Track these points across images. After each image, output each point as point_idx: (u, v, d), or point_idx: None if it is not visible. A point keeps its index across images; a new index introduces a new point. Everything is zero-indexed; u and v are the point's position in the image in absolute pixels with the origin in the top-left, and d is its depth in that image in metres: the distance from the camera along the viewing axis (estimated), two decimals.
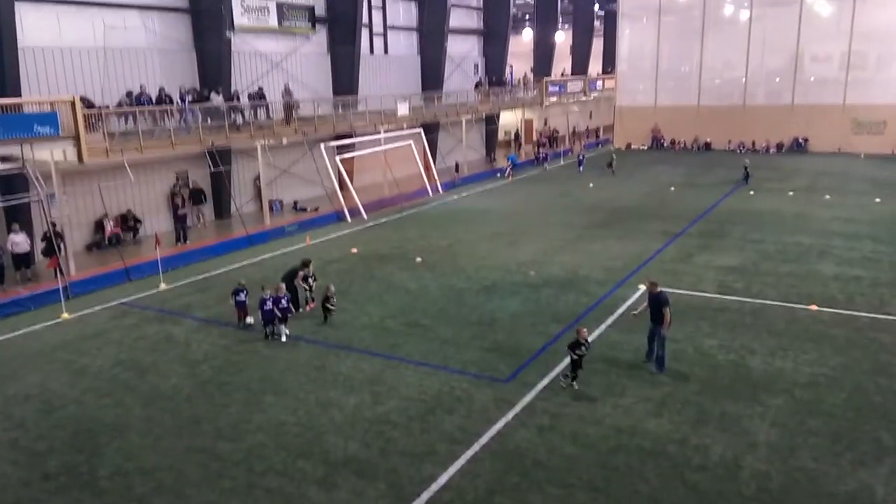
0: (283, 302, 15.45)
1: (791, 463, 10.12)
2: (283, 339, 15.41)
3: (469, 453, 10.59)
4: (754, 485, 9.62)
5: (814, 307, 16.61)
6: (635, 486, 9.67)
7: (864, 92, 45.28)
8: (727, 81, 50.01)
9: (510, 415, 11.76)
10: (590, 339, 14.74)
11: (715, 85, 50.45)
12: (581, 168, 41.77)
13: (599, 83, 58.24)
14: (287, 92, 30.57)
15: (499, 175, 40.78)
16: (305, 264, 17.54)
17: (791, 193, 31.99)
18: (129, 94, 24.61)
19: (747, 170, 35.29)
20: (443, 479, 9.92)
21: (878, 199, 29.74)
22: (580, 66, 61.37)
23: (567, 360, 12.93)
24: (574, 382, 12.58)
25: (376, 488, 9.74)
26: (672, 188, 34.70)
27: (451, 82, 44.25)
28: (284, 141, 28.60)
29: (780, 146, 48.44)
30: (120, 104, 24.13)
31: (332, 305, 16.41)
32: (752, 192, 32.64)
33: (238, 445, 11.04)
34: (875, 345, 14.28)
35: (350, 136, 31.87)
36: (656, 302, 13.35)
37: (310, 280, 17.40)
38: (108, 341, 15.81)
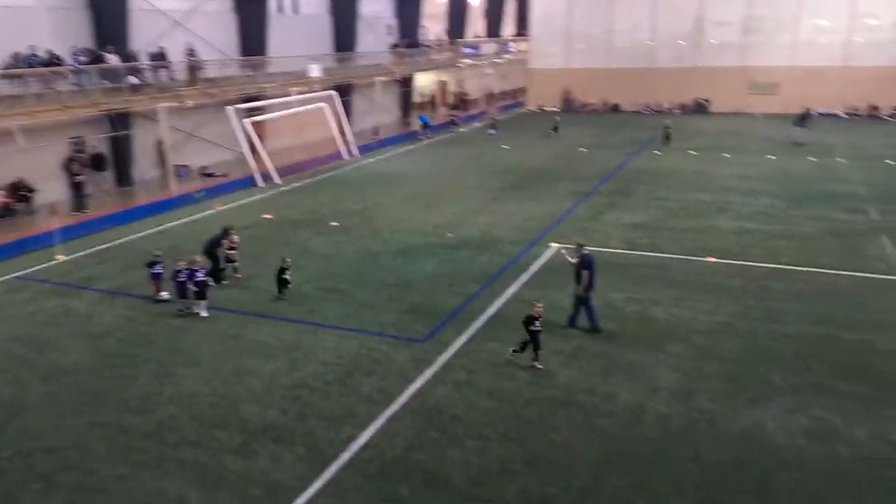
0: (200, 275, 14.65)
1: (690, 405, 10.78)
2: (204, 314, 14.63)
3: (388, 413, 10.70)
4: (657, 427, 10.20)
5: (712, 259, 17.56)
6: (548, 435, 10.07)
7: (760, 55, 47.55)
8: (635, 44, 51.30)
9: (428, 373, 11.94)
10: (507, 296, 15.11)
11: (624, 48, 51.66)
12: (495, 131, 42.07)
13: (513, 46, 58.50)
14: (191, 52, 29.11)
15: (420, 137, 40.55)
16: (227, 232, 16.89)
17: (693, 153, 33.40)
18: (15, 55, 22.80)
19: (668, 130, 36.37)
20: (362, 439, 10.01)
21: (772, 157, 31.51)
22: (494, 29, 61.38)
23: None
24: (536, 362, 12.00)
25: (295, 453, 9.73)
26: (582, 149, 35.54)
27: (364, 44, 43.33)
28: (190, 103, 27.33)
29: (683, 107, 50.33)
30: (6, 67, 22.33)
31: (287, 277, 15.63)
32: (656, 152, 33.86)
33: (147, 418, 10.73)
34: (767, 293, 15.27)
35: (260, 99, 30.80)
36: (583, 264, 13.43)
37: (233, 251, 16.78)
38: (2, 317, 14.90)
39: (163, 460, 9.66)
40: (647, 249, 18.60)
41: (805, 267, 16.86)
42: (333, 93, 35.27)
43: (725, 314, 14.19)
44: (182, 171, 28.61)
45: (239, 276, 16.78)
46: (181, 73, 28.02)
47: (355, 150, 35.37)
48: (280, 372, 12.13)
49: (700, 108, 49.84)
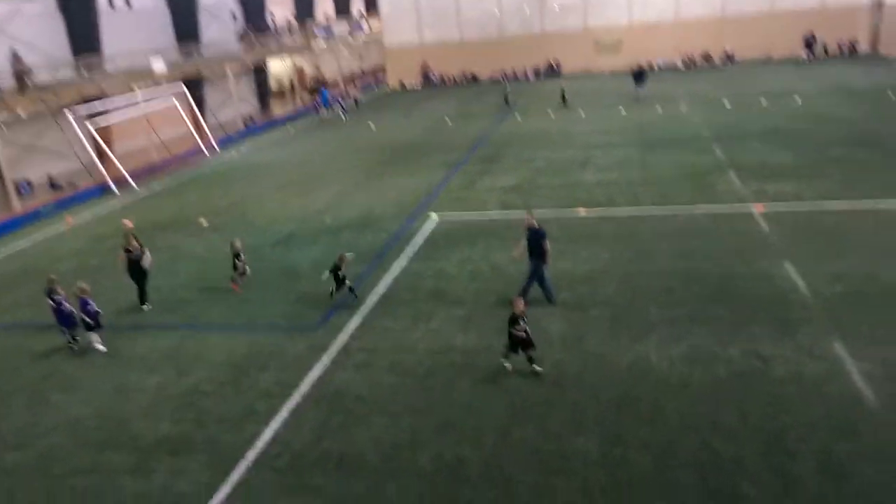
0: (92, 305, 12.62)
1: (581, 348, 11.32)
2: (102, 348, 12.74)
3: (290, 405, 10.46)
4: (554, 374, 10.63)
5: (583, 211, 18.41)
6: (454, 400, 10.24)
7: (601, 16, 49.91)
8: (483, 14, 52.20)
9: (326, 359, 11.75)
10: (395, 272, 15.09)
11: (473, 18, 52.45)
12: (345, 113, 41.43)
13: (365, 24, 57.82)
14: (15, 58, 26.50)
15: (320, 114, 39.90)
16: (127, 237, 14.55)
17: (552, 114, 34.68)
18: None
19: (507, 97, 37.81)
20: (266, 435, 9.73)
21: (623, 110, 33.30)
22: (343, 8, 60.35)
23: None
24: (534, 365, 10.71)
25: (196, 461, 9.30)
26: (448, 121, 35.94)
27: (209, 33, 41.28)
28: (22, 114, 24.94)
29: (537, 72, 52.01)
30: None
31: (239, 261, 15.02)
32: (518, 117, 34.87)
33: (27, 453, 9.85)
34: (636, 236, 16.23)
35: (101, 100, 28.61)
36: (536, 235, 12.90)
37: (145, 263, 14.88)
38: None
39: (52, 494, 8.92)
40: (523, 209, 19.15)
41: (664, 206, 18.05)
42: (182, 87, 33.44)
43: (601, 261, 14.95)
44: (23, 187, 26.19)
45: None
46: (7, 82, 25.49)
47: (216, 145, 33.81)
48: (167, 382, 11.50)
49: (553, 71, 51.69)
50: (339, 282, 13.65)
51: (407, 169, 25.65)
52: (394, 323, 12.89)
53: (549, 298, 13.11)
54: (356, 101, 42.88)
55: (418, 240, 17.41)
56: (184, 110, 32.78)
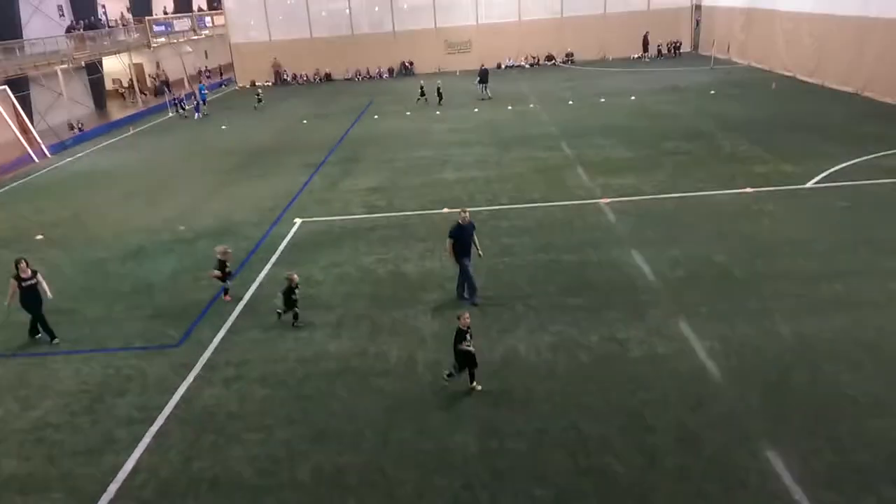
0: None
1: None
2: None
3: (154, 429, 9.84)
4: (430, 373, 10.79)
5: (446, 210, 18.78)
6: (330, 406, 10.12)
7: (450, 16, 51.00)
8: (334, 13, 51.56)
9: (191, 377, 11.17)
10: (259, 280, 14.62)
11: (323, 17, 51.70)
12: (200, 113, 39.59)
13: (209, 20, 55.22)
14: None
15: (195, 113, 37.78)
16: (17, 263, 12.70)
17: (408, 113, 35.01)
18: None
19: (440, 91, 37.04)
20: (129, 464, 9.09)
21: (476, 109, 34.29)
22: (183, 3, 57.25)
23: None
24: (475, 383, 10.25)
25: (52, 500, 8.51)
26: (304, 121, 35.23)
27: (32, 29, 37.58)
28: None
29: (391, 70, 52.25)
30: None
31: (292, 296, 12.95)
32: (376, 116, 34.87)
33: None
34: (497, 232, 16.80)
35: None
36: (469, 232, 12.87)
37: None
38: None
39: None
40: (387, 210, 19.25)
41: (522, 204, 18.85)
42: (4, 87, 30.26)
43: None
44: None
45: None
46: None
47: (47, 151, 30.92)
48: (9, 416, 10.43)
49: (406, 71, 52.16)
50: (292, 304, 12.66)
51: (265, 172, 24.86)
52: (262, 333, 12.49)
53: (472, 292, 13.09)
54: (201, 101, 40.70)
55: (282, 246, 16.95)
56: (7, 113, 29.67)
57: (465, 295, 13.24)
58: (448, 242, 12.88)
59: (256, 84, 51.69)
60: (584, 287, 13.43)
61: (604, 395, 9.91)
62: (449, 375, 10.25)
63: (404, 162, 24.76)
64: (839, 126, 25.03)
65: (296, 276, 12.84)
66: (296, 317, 12.68)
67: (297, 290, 12.69)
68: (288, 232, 17.90)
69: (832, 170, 19.63)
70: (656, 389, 9.87)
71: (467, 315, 10.20)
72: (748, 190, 18.47)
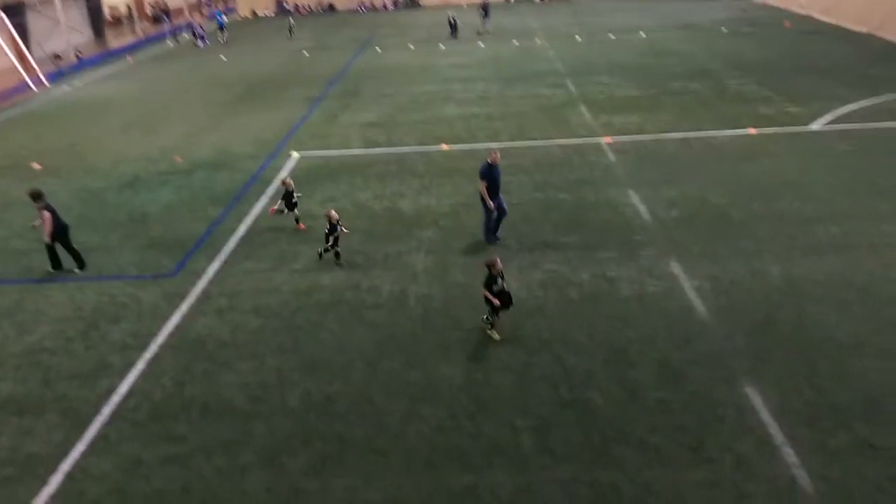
0: None
1: (446, 281, 11.64)
2: None
3: (147, 356, 10.01)
4: (421, 307, 10.90)
5: (445, 147, 18.59)
6: (321, 337, 10.25)
7: None
8: None
9: (184, 307, 11.29)
10: (255, 213, 14.61)
11: None
12: (204, 42, 38.87)
13: None
14: None
15: (190, 39, 37.20)
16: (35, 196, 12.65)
17: (412, 46, 34.25)
18: None
19: (453, 22, 36.18)
20: (123, 388, 9.29)
21: (481, 44, 33.54)
22: None
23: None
24: (493, 329, 10.01)
25: (46, 421, 8.74)
26: (305, 53, 34.54)
27: None
28: None
29: (396, 3, 50.89)
30: None
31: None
32: (378, 49, 34.15)
33: None
34: None
35: None
36: (499, 172, 12.65)
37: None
38: None
39: None
40: (386, 146, 19.07)
41: (522, 141, 18.63)
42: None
43: (464, 195, 15.27)
44: None
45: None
46: None
47: (45, 79, 30.51)
48: (6, 340, 10.61)
49: (413, 3, 50.78)
50: (335, 242, 12.38)
51: (264, 104, 24.54)
52: (256, 265, 12.56)
53: (493, 231, 12.90)
54: (201, 31, 39.82)
55: (277, 179, 16.86)
56: (3, 40, 29.16)
57: (498, 235, 12.98)
58: (481, 184, 12.50)
59: (259, 13, 50.50)
60: (578, 226, 13.39)
61: (591, 331, 9.99)
62: (487, 320, 10.03)
63: (405, 97, 24.38)
64: (851, 67, 24.44)
65: (334, 212, 12.42)
66: (337, 255, 12.36)
67: (339, 226, 12.27)
68: (285, 165, 17.79)
69: (839, 112, 19.26)
70: (643, 327, 9.95)
71: (499, 261, 9.87)
72: (752, 131, 18.18)
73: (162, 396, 9.12)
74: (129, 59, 35.77)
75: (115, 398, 9.09)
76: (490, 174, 12.51)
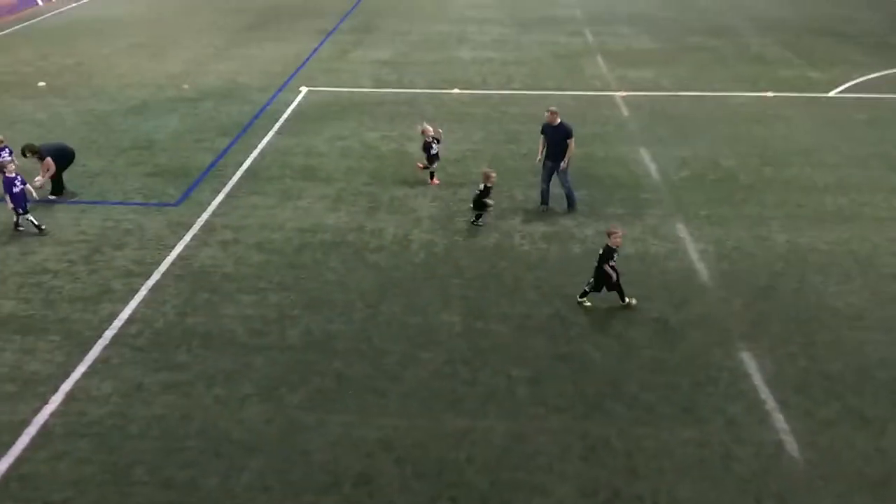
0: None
1: (450, 228, 11.63)
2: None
3: (150, 283, 10.08)
4: (423, 253, 10.92)
5: (457, 91, 18.29)
6: (323, 276, 10.30)
7: None
8: None
9: (188, 237, 11.31)
10: (261, 147, 14.51)
11: None
12: None
13: None
14: None
15: None
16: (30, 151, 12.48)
17: None
18: None
19: None
20: (125, 314, 9.39)
21: None
22: None
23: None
24: (585, 299, 9.57)
25: (49, 341, 8.86)
26: None
27: None
28: None
29: None
30: None
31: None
32: None
33: None
34: (506, 117, 16.45)
35: None
36: (557, 134, 11.91)
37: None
38: None
39: None
40: (396, 86, 18.76)
41: (535, 90, 18.31)
42: None
43: (473, 141, 15.12)
44: None
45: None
46: None
47: None
48: (8, 259, 10.67)
49: None
50: (481, 206, 11.67)
51: (274, 34, 24.02)
52: (261, 200, 12.52)
53: (570, 203, 12.14)
54: None
55: (286, 114, 16.66)
56: None
57: (567, 206, 12.19)
58: (541, 140, 12.22)
59: None
60: (587, 181, 13.25)
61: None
62: (583, 294, 9.58)
63: (419, 35, 23.85)
64: (876, 33, 23.85)
65: (493, 173, 11.66)
66: (478, 217, 11.72)
67: (490, 190, 11.57)
68: (293, 100, 17.54)
69: (860, 80, 18.88)
70: (644, 286, 9.97)
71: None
72: (769, 94, 17.86)
73: (163, 324, 9.23)
74: None
75: (117, 323, 9.20)
76: (545, 132, 12.10)
